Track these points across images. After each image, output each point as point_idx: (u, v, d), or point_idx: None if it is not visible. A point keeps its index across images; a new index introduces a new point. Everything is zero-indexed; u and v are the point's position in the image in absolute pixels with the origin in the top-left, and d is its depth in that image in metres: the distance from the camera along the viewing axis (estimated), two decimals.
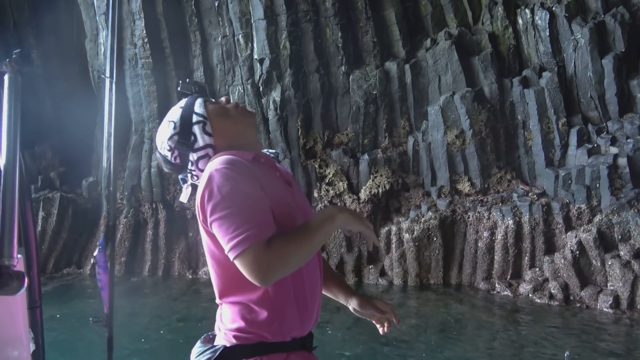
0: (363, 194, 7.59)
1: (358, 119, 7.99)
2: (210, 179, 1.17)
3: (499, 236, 6.90)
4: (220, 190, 1.15)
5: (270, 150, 1.45)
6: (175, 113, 1.36)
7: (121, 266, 8.21)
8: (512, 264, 6.85)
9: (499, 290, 6.79)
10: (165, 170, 1.41)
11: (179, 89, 1.41)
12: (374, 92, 7.91)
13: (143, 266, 8.36)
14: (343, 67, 7.99)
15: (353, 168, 7.82)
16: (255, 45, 7.96)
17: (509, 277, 6.87)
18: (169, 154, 1.35)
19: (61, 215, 8.35)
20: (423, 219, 7.22)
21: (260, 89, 8.04)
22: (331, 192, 7.72)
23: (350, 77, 7.99)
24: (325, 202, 7.71)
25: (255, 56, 7.98)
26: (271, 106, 7.96)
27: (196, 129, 1.32)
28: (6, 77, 0.86)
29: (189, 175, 1.36)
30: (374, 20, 7.99)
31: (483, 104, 7.42)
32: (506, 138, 7.56)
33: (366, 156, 7.77)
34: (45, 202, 8.30)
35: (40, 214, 8.21)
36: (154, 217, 8.43)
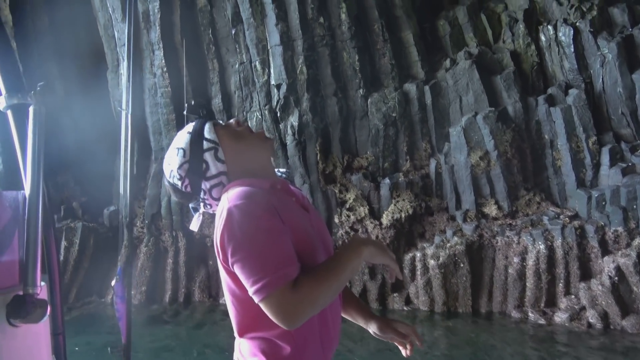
0: (385, 219, 7.38)
1: (378, 142, 7.84)
2: (229, 217, 1.09)
3: (530, 262, 6.57)
4: (241, 229, 1.08)
5: (282, 170, 1.37)
6: (182, 139, 1.27)
7: (142, 295, 8.16)
8: (546, 291, 6.49)
9: (532, 319, 6.43)
10: (175, 199, 1.33)
11: (184, 112, 1.34)
12: (393, 115, 7.77)
13: (164, 295, 8.29)
14: (361, 90, 7.88)
15: (374, 192, 7.64)
16: (272, 70, 7.95)
17: (542, 305, 6.52)
18: (179, 183, 1.27)
19: (83, 245, 8.38)
20: (449, 244, 6.95)
21: (278, 114, 7.99)
22: (352, 217, 7.53)
23: (369, 100, 7.87)
24: (346, 227, 7.52)
25: (273, 82, 7.96)
26: (289, 131, 7.89)
27: (207, 157, 1.23)
28: (31, 109, 0.88)
29: (202, 204, 1.28)
30: (392, 42, 7.90)
31: (507, 124, 7.19)
32: (533, 158, 7.28)
33: (387, 180, 7.58)
34: (67, 231, 8.36)
35: (63, 243, 8.27)
36: (174, 245, 8.38)
